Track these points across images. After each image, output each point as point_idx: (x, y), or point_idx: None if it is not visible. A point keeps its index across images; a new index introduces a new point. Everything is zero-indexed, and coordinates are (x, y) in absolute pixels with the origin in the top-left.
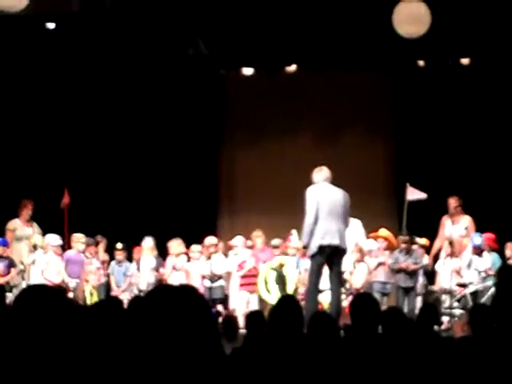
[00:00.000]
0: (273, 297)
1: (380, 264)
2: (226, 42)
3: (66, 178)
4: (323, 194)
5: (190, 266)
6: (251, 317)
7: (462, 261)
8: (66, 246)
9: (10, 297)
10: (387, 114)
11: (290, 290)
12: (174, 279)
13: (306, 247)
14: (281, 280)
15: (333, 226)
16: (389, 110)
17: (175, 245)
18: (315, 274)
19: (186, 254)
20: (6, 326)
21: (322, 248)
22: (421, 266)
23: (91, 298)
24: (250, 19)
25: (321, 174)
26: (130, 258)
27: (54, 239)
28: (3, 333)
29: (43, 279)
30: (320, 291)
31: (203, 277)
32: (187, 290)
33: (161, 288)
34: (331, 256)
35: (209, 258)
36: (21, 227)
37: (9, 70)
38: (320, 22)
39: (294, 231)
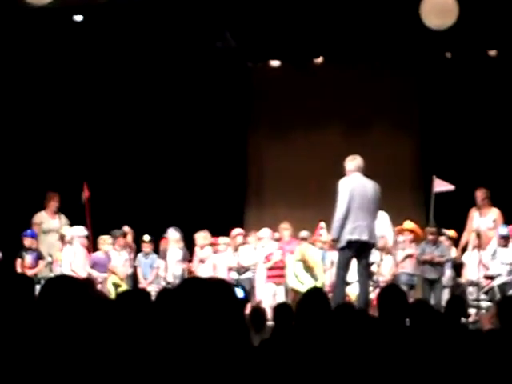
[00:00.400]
0: (307, 287)
1: (407, 256)
2: (253, 35)
3: (90, 171)
4: (356, 187)
5: (216, 257)
6: (279, 309)
7: (486, 251)
8: (90, 238)
9: (37, 289)
10: (414, 106)
11: (319, 276)
12: (201, 271)
13: (335, 240)
14: (307, 268)
15: (363, 220)
16: (415, 102)
17: (201, 237)
18: (343, 268)
19: (213, 245)
20: (34, 317)
21: (350, 243)
22: (446, 259)
23: (119, 289)
24: (277, 12)
25: (354, 163)
26: (156, 250)
27: (80, 230)
28: (31, 323)
29: (70, 271)
30: (347, 283)
31: (230, 269)
32: (218, 283)
33: (191, 280)
34: (359, 250)
35: (236, 249)
36: (47, 220)
37: (36, 63)
38: (347, 14)
39: (323, 224)
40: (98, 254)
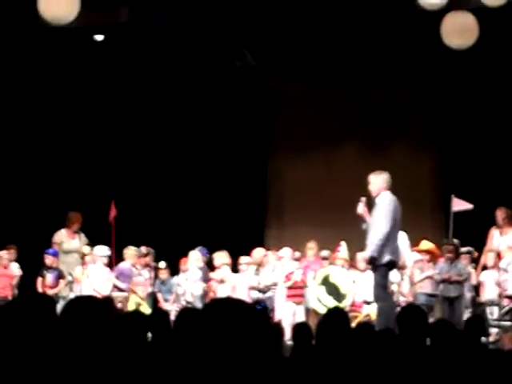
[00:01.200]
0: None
1: (427, 277)
2: (274, 54)
3: (113, 191)
4: (397, 206)
5: (237, 277)
6: (298, 328)
7: (500, 265)
8: (113, 258)
9: (57, 308)
10: (433, 125)
11: (345, 297)
12: (221, 291)
13: (373, 259)
14: (333, 291)
15: (397, 240)
16: (434, 121)
17: (218, 257)
18: (383, 288)
19: (231, 265)
20: (55, 336)
21: (391, 263)
22: (464, 278)
23: (140, 308)
24: (297, 32)
25: (386, 179)
26: (176, 269)
27: (102, 250)
28: (53, 343)
29: (92, 290)
30: (368, 303)
31: (251, 288)
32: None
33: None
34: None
35: (257, 269)
36: (67, 240)
37: (57, 82)
38: (365, 35)
39: (343, 242)
40: (124, 265)
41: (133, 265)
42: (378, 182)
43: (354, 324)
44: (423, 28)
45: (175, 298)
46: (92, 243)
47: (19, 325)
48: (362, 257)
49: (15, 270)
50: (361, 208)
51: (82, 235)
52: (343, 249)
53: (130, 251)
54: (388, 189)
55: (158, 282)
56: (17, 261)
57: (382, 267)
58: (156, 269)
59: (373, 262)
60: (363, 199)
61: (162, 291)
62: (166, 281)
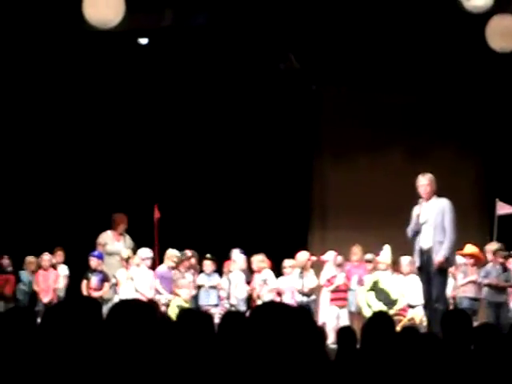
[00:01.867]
0: None
1: (470, 282)
2: (318, 57)
3: (157, 194)
4: None
5: (282, 280)
6: (342, 332)
7: None
8: (156, 260)
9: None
10: (477, 129)
11: (396, 303)
12: (266, 294)
13: (447, 260)
14: (382, 296)
15: None
16: (478, 125)
17: (256, 260)
18: (445, 291)
19: (275, 268)
20: (101, 339)
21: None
22: (510, 285)
23: None
24: (341, 35)
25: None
26: (219, 272)
27: (145, 253)
28: (99, 345)
29: (136, 293)
30: (412, 306)
31: (296, 291)
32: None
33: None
34: None
35: (301, 272)
36: (112, 241)
37: (103, 86)
38: (411, 37)
39: (386, 246)
40: (162, 269)
41: (174, 267)
42: (432, 183)
43: (398, 328)
44: (467, 31)
45: (218, 301)
46: (136, 246)
47: (66, 328)
48: (408, 260)
49: (63, 271)
50: (418, 209)
51: (128, 238)
52: (384, 252)
53: (168, 254)
54: (435, 192)
55: (202, 275)
56: (64, 263)
57: (446, 270)
58: (202, 262)
59: (443, 264)
60: (421, 201)
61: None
62: (211, 274)
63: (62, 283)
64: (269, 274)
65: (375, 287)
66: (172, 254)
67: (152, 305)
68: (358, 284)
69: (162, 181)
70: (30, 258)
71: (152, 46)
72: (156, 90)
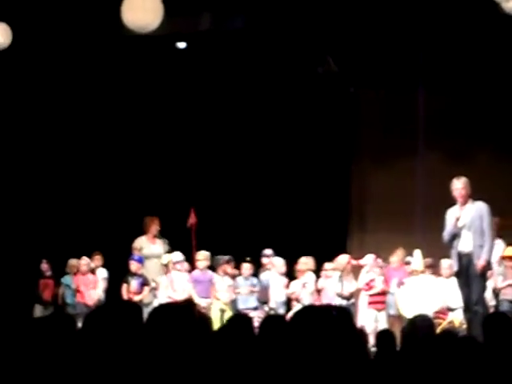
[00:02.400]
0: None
1: (510, 285)
2: (356, 60)
3: (193, 197)
4: None
5: (323, 283)
6: (381, 335)
7: None
8: (194, 265)
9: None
10: None
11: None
12: (305, 297)
13: (489, 267)
14: (420, 298)
15: None
16: None
17: (303, 262)
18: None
19: (314, 271)
20: (142, 343)
21: None
22: None
23: (223, 314)
24: (380, 37)
25: None
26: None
27: (176, 256)
28: (140, 349)
29: (173, 297)
30: (451, 309)
31: (337, 295)
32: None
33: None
34: None
35: (341, 276)
36: (147, 245)
37: (141, 91)
38: (449, 40)
39: (416, 251)
40: (196, 273)
41: (209, 268)
42: (467, 187)
43: (438, 330)
44: (506, 34)
45: (257, 305)
46: (173, 250)
47: (107, 332)
48: (448, 263)
49: (102, 275)
50: (455, 213)
51: (164, 241)
52: (416, 258)
53: (199, 256)
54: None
55: (240, 278)
56: (103, 266)
57: (486, 274)
58: (240, 265)
59: (485, 268)
60: (457, 204)
61: (242, 289)
62: (248, 277)
63: (100, 287)
64: (310, 277)
65: (413, 289)
66: (204, 255)
67: (190, 306)
68: (398, 287)
69: (199, 184)
70: (73, 261)
71: (190, 50)
72: (194, 94)
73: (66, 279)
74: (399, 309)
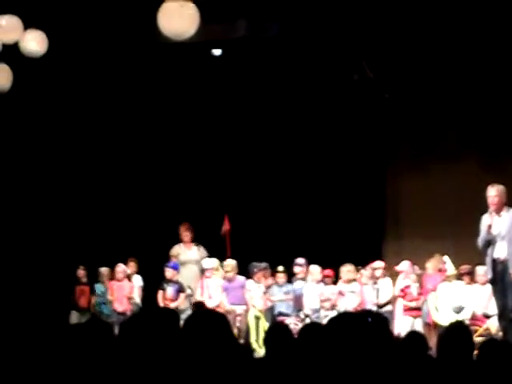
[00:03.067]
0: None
1: None
2: (391, 67)
3: (226, 205)
4: None
5: (359, 290)
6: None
7: None
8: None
9: None
10: None
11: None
12: (341, 305)
13: None
14: (453, 304)
15: None
16: None
17: (345, 270)
18: None
19: (327, 277)
20: (179, 349)
21: None
22: None
23: (258, 321)
24: (415, 43)
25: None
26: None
27: (207, 263)
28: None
29: (208, 303)
30: (488, 316)
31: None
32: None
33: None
34: None
35: (375, 283)
36: (184, 251)
37: (177, 98)
38: (480, 43)
39: (445, 257)
40: (224, 283)
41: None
42: (502, 194)
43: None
44: None
45: (292, 311)
46: (210, 256)
47: (145, 338)
48: (483, 270)
49: (137, 282)
50: (490, 220)
51: (201, 247)
52: (448, 265)
53: (226, 266)
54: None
55: (274, 286)
56: (138, 273)
57: None
58: (275, 273)
59: None
60: (491, 211)
61: (277, 296)
62: (283, 285)
63: (136, 294)
64: (355, 285)
65: (445, 295)
66: (231, 266)
67: (223, 316)
68: (429, 293)
69: (233, 191)
70: (104, 270)
71: (225, 57)
72: (230, 101)
73: (98, 287)
74: (432, 315)
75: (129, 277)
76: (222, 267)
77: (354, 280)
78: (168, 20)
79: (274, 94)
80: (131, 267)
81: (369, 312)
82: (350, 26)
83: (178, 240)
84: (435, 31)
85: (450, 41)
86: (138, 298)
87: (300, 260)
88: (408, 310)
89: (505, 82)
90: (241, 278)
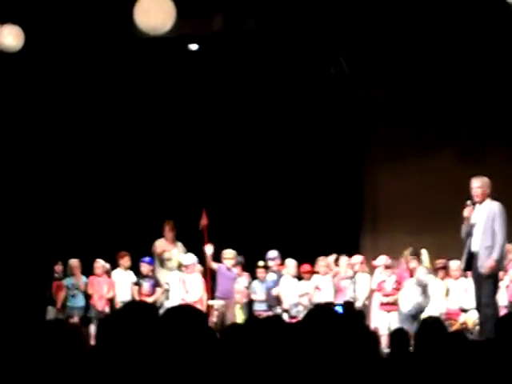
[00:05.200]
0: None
1: None
2: (367, 61)
3: (204, 199)
4: None
5: (336, 284)
6: (395, 334)
7: None
8: (206, 266)
9: None
10: None
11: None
12: (319, 299)
13: (497, 262)
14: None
15: None
16: None
17: (321, 264)
18: (494, 296)
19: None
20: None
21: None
22: None
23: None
24: (391, 38)
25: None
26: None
27: (186, 258)
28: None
29: (181, 300)
30: (464, 311)
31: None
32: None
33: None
34: None
35: (353, 277)
36: (167, 248)
37: (154, 93)
38: (457, 38)
39: (423, 251)
40: (223, 267)
41: (232, 267)
42: (485, 186)
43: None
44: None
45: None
46: (187, 252)
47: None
48: (457, 265)
49: (130, 277)
50: (468, 211)
51: (180, 244)
52: (424, 258)
53: (224, 254)
54: (489, 195)
55: (255, 281)
56: (130, 268)
57: (496, 274)
58: (254, 268)
59: (493, 268)
60: (470, 202)
61: (258, 291)
62: (263, 280)
63: (121, 289)
64: (325, 278)
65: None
66: (232, 253)
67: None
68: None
69: (210, 186)
70: (74, 262)
71: (202, 52)
72: (206, 96)
73: (67, 280)
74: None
75: (108, 273)
76: (222, 256)
77: (331, 273)
78: (144, 15)
79: (251, 88)
80: (125, 261)
81: (343, 304)
82: (326, 20)
83: (155, 234)
84: (410, 25)
85: (425, 35)
86: (126, 295)
87: (273, 253)
88: (383, 304)
89: (481, 74)
90: (235, 271)
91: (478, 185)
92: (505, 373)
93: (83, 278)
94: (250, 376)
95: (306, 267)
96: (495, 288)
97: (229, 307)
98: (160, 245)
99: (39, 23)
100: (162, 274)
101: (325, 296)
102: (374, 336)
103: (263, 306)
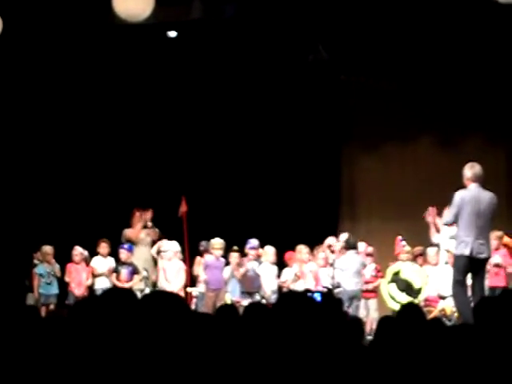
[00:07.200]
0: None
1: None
2: (346, 48)
3: (184, 186)
4: (468, 201)
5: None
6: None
7: None
8: (186, 253)
9: None
10: (508, 116)
11: (419, 292)
12: (299, 286)
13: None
14: (405, 287)
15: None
16: (509, 114)
17: (300, 251)
18: (456, 283)
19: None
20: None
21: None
22: None
23: None
24: (370, 25)
25: (471, 172)
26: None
27: (166, 245)
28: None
29: (166, 286)
30: (443, 297)
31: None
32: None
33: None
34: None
35: (332, 264)
36: (136, 235)
37: (132, 80)
38: (441, 28)
39: (400, 237)
40: (210, 258)
41: (220, 257)
42: (466, 174)
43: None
44: (497, 22)
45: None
46: (166, 239)
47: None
48: (435, 251)
49: (110, 263)
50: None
51: (155, 230)
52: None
53: (213, 244)
54: (478, 181)
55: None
56: (110, 255)
57: (455, 260)
58: (228, 253)
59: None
60: (431, 208)
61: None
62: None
63: (100, 277)
64: (311, 266)
65: (396, 278)
66: (221, 243)
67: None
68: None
69: (190, 173)
70: (48, 248)
71: (181, 39)
72: (185, 83)
73: (40, 268)
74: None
75: (86, 260)
76: (209, 246)
77: (310, 261)
78: (123, 2)
79: (230, 76)
80: (103, 248)
81: (311, 290)
82: (305, 7)
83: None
84: (390, 10)
85: (404, 21)
86: (106, 282)
87: (254, 242)
88: (362, 291)
89: (461, 62)
90: (222, 260)
91: (462, 174)
92: (483, 358)
93: (57, 265)
94: (229, 361)
95: (289, 254)
96: (456, 275)
97: (218, 296)
98: (128, 232)
99: (17, 11)
100: (140, 261)
101: (306, 284)
102: (355, 323)
103: (238, 293)
